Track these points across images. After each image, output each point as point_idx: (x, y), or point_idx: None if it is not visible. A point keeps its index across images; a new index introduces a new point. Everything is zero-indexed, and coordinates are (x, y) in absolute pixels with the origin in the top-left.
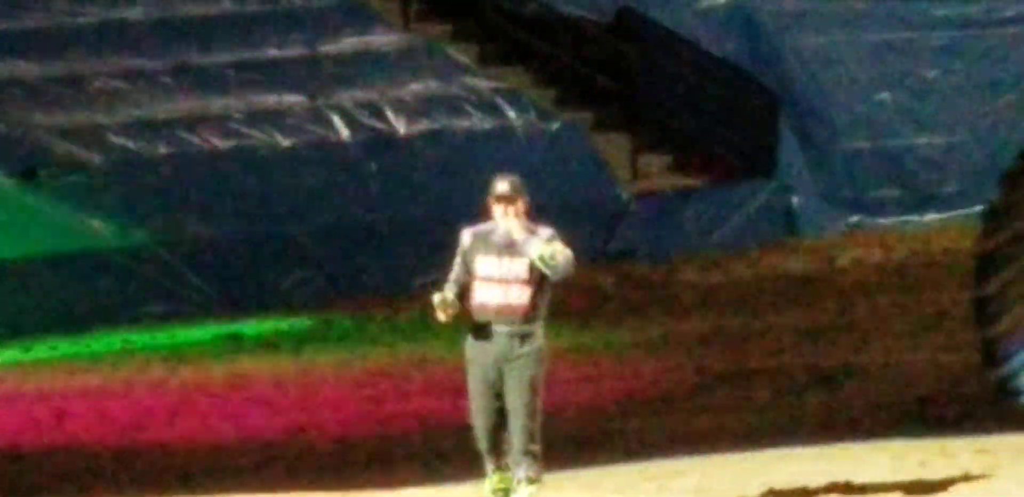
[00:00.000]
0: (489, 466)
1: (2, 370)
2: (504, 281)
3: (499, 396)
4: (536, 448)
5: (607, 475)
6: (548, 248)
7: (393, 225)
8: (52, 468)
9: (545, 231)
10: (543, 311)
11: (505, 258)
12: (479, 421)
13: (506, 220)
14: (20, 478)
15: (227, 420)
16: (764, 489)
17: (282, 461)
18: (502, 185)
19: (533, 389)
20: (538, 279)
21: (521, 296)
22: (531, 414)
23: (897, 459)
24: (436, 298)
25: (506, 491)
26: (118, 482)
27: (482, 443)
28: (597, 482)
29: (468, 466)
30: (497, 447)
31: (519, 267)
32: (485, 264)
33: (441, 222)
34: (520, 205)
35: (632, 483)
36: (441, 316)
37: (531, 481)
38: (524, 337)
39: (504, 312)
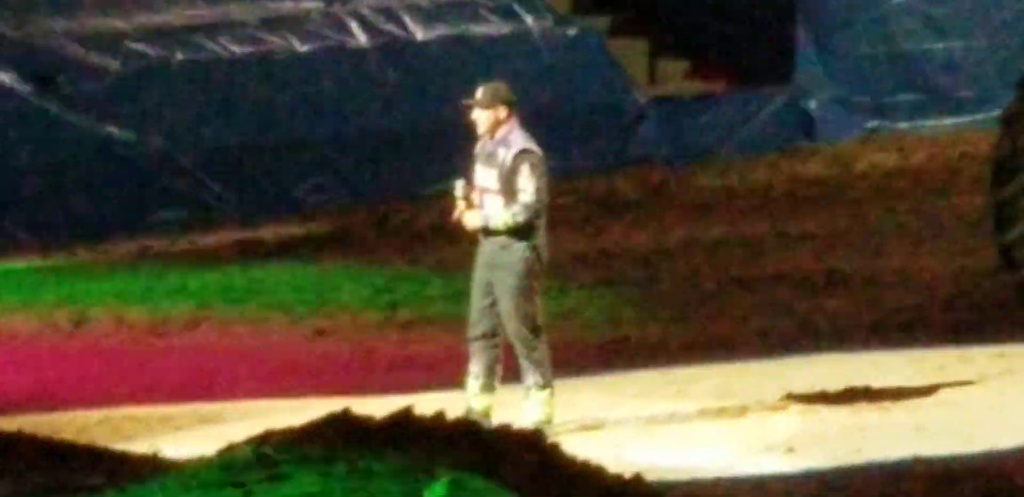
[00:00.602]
0: (472, 369)
1: (20, 276)
2: (486, 190)
3: (493, 302)
4: (538, 355)
5: (627, 380)
6: (507, 215)
7: (410, 131)
8: (71, 373)
9: (517, 145)
10: (521, 223)
11: (484, 168)
12: (470, 316)
13: (480, 128)
14: (39, 383)
15: (246, 325)
16: (783, 394)
17: (301, 366)
18: (477, 93)
19: (519, 296)
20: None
21: (495, 206)
22: (522, 319)
23: (915, 364)
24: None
25: (486, 412)
26: (137, 387)
27: (469, 336)
28: (617, 387)
29: None
30: (484, 358)
31: (491, 178)
32: (477, 172)
33: (458, 128)
34: (495, 113)
35: (652, 388)
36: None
37: (540, 387)
38: (504, 247)
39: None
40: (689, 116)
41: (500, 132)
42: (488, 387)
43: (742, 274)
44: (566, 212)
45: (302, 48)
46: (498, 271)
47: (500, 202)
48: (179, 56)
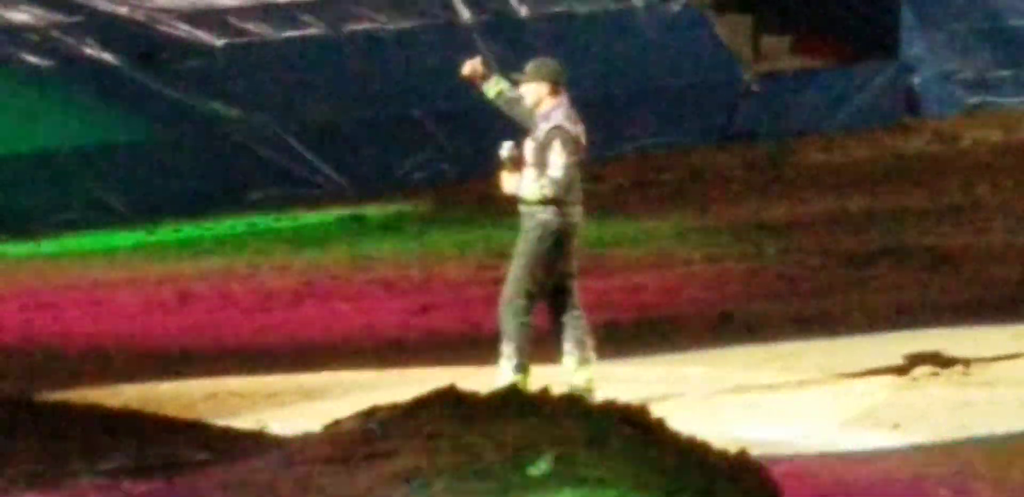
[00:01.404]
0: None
1: (126, 252)
2: (525, 161)
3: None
4: (511, 329)
5: (732, 354)
6: (536, 187)
7: None
8: (176, 349)
9: (555, 121)
10: (549, 196)
11: (528, 139)
12: None
13: (528, 102)
14: (145, 359)
15: (349, 302)
16: (886, 369)
17: (406, 342)
18: (527, 67)
19: (523, 264)
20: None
21: (529, 177)
22: (515, 288)
23: (1019, 339)
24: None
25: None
26: (242, 362)
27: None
28: (723, 360)
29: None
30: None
31: (529, 151)
32: (525, 143)
33: None
34: (538, 88)
35: (757, 362)
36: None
37: (508, 359)
38: (530, 215)
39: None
40: (793, 92)
41: (544, 107)
42: (584, 361)
43: (846, 249)
44: (669, 187)
45: (406, 24)
46: (520, 237)
47: (534, 174)
48: (283, 33)
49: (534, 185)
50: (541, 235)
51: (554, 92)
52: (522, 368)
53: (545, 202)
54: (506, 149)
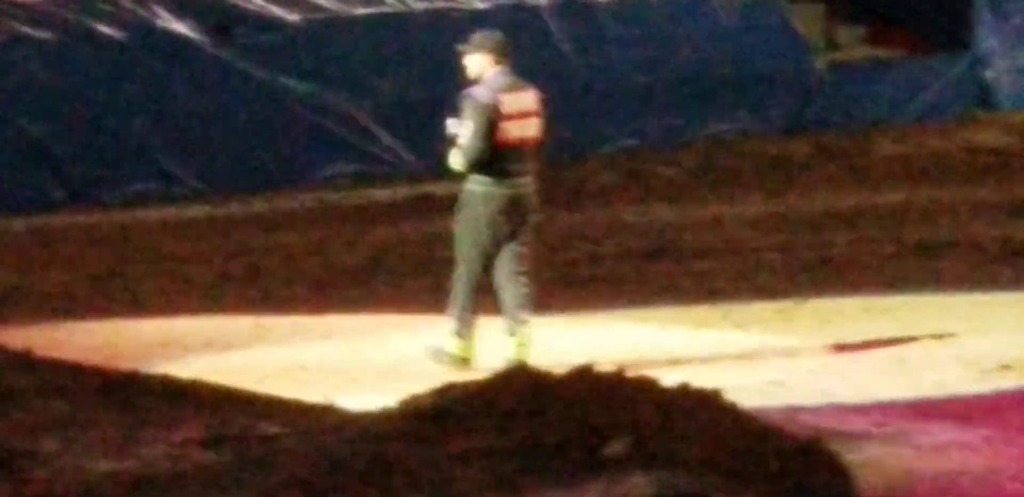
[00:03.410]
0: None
1: (197, 226)
2: None
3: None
4: (456, 299)
5: (803, 343)
6: (452, 157)
7: (584, 92)
8: (246, 323)
9: (470, 90)
10: (460, 166)
11: None
12: None
13: (469, 73)
14: (215, 332)
15: (419, 278)
16: (955, 360)
17: None
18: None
19: (459, 233)
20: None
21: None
22: (460, 257)
23: None
24: None
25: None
26: (312, 338)
27: None
28: (794, 349)
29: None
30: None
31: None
32: None
33: (631, 90)
34: (478, 59)
35: (828, 351)
36: None
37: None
38: (464, 189)
39: None
40: (866, 82)
41: (484, 79)
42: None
43: (917, 240)
44: (741, 175)
45: (479, 4)
46: None
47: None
48: (358, 10)
49: (450, 157)
50: (465, 209)
51: (496, 63)
52: (462, 334)
53: (469, 172)
54: (451, 126)
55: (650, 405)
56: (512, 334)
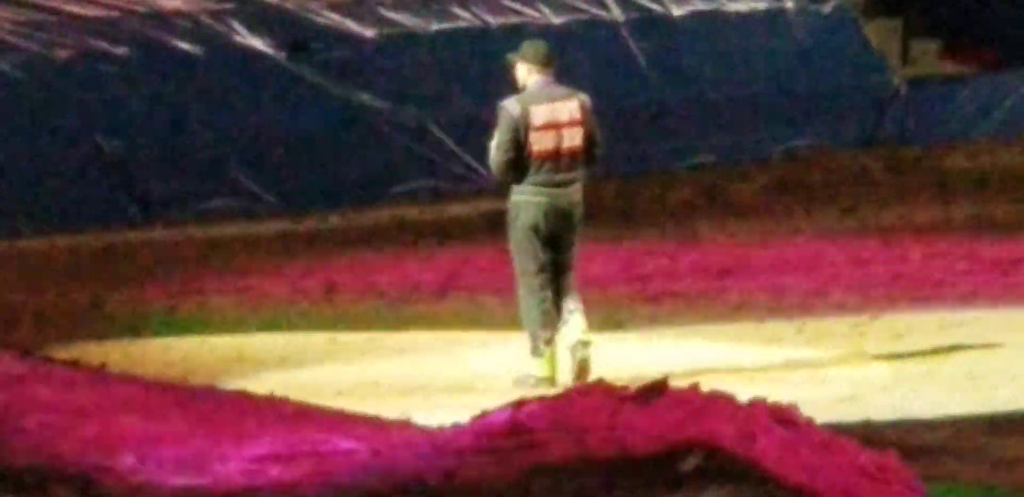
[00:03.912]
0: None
1: (272, 242)
2: None
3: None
4: (522, 312)
5: (878, 357)
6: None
7: (661, 106)
8: (321, 339)
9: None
10: (503, 180)
11: None
12: None
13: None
14: (289, 348)
15: (494, 295)
16: None
17: None
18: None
19: (512, 245)
20: None
21: None
22: (515, 269)
23: None
24: None
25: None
26: (387, 354)
27: None
28: (868, 362)
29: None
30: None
31: None
32: None
33: (707, 106)
34: (519, 69)
35: (903, 366)
36: None
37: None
38: None
39: None
40: (941, 97)
41: (526, 87)
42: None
43: (991, 255)
44: (815, 189)
45: (556, 20)
46: None
47: None
48: (433, 25)
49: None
50: (513, 216)
51: (537, 72)
52: (539, 353)
53: (506, 182)
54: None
55: (725, 420)
56: (565, 323)
